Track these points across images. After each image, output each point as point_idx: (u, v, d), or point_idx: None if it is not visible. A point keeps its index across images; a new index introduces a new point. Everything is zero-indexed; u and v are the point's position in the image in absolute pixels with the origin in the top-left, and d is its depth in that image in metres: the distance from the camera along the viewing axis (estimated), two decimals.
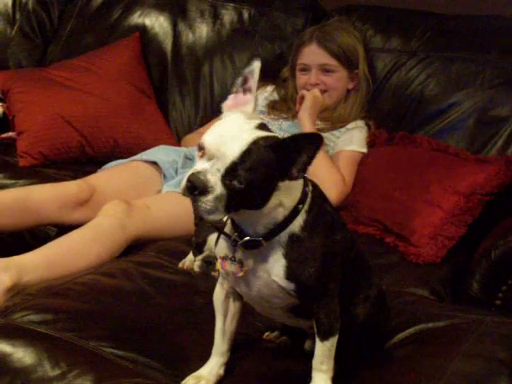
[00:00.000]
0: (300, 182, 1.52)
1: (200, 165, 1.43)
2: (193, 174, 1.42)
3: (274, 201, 1.46)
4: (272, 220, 1.49)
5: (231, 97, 1.54)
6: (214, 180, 1.41)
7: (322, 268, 1.51)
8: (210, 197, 1.41)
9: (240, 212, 1.47)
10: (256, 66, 1.52)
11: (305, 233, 1.50)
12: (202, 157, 1.44)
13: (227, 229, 1.56)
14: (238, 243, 1.52)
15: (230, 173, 1.40)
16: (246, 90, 1.53)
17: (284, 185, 1.46)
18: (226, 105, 1.54)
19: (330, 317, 1.55)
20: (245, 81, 1.53)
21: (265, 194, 1.45)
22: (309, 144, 1.42)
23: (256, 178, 1.40)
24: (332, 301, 1.56)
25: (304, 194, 1.51)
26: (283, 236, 1.50)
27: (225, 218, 1.56)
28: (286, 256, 1.50)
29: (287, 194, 1.48)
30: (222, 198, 1.41)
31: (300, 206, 1.50)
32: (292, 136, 1.44)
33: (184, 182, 1.43)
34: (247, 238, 1.50)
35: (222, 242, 1.58)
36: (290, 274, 1.50)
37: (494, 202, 2.58)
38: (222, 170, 1.41)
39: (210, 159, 1.42)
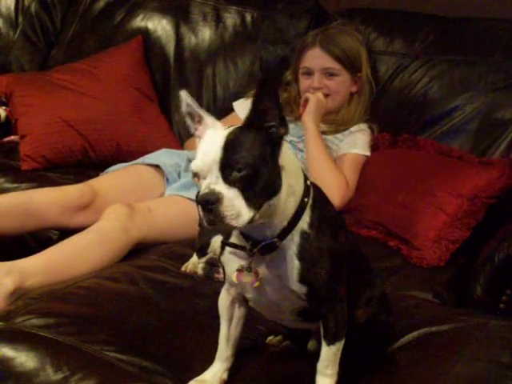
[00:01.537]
0: (299, 173, 1.53)
1: (202, 186, 1.45)
2: (198, 195, 1.43)
3: (285, 185, 1.47)
4: (285, 216, 1.49)
5: (195, 135, 1.55)
6: (219, 186, 1.42)
7: (332, 270, 1.52)
8: (225, 201, 1.41)
9: (263, 210, 1.45)
10: (184, 96, 1.54)
11: (313, 230, 1.51)
12: (199, 181, 1.46)
13: (235, 241, 1.56)
14: (254, 250, 1.51)
15: (226, 170, 1.42)
16: (198, 122, 1.54)
17: (286, 168, 1.47)
18: (196, 140, 1.56)
19: (338, 321, 1.56)
20: (191, 117, 1.55)
21: (272, 172, 1.45)
22: (263, 89, 1.44)
23: (248, 155, 1.42)
24: (341, 305, 1.56)
25: (306, 187, 1.52)
26: (295, 234, 1.50)
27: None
28: (299, 256, 1.50)
29: (293, 178, 1.49)
30: (237, 197, 1.41)
31: (306, 199, 1.51)
32: (251, 101, 1.46)
33: (199, 210, 1.43)
34: (263, 242, 1.50)
35: (231, 257, 1.58)
36: (302, 277, 1.50)
37: (497, 204, 2.58)
38: (219, 174, 1.42)
39: (205, 177, 1.44)
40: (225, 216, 1.41)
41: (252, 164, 1.42)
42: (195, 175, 1.47)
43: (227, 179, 1.42)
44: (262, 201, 1.44)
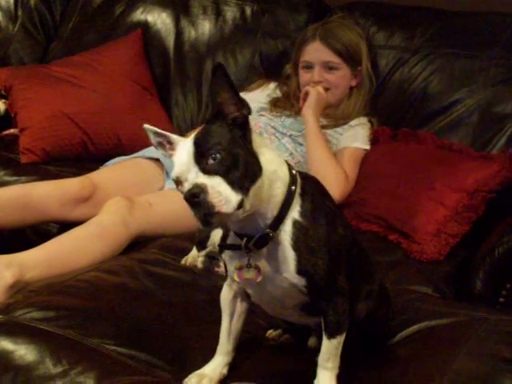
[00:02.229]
0: (280, 160, 1.54)
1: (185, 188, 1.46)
2: (185, 193, 1.44)
3: (267, 170, 1.48)
4: (275, 204, 1.49)
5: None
6: (200, 178, 1.43)
7: (330, 261, 1.51)
8: (210, 189, 1.41)
9: (251, 196, 1.44)
10: (148, 128, 1.60)
11: (306, 220, 1.51)
12: (183, 185, 1.47)
13: (231, 242, 1.58)
14: (249, 245, 1.51)
15: (202, 161, 1.44)
16: (170, 148, 1.58)
17: (262, 153, 1.49)
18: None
19: (339, 314, 1.55)
20: (163, 146, 1.60)
21: (247, 153, 1.46)
22: (215, 82, 1.52)
23: (219, 141, 1.45)
24: (341, 297, 1.56)
25: (292, 176, 1.53)
26: (287, 224, 1.50)
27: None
28: (294, 247, 1.50)
29: (272, 163, 1.50)
30: (220, 183, 1.42)
31: (293, 187, 1.51)
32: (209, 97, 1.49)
33: (191, 212, 1.43)
34: (257, 235, 1.50)
35: (231, 255, 1.58)
36: (300, 268, 1.50)
37: (497, 198, 2.58)
38: (197, 168, 1.44)
39: (186, 178, 1.46)
40: (213, 204, 1.41)
41: (225, 148, 1.44)
42: (177, 183, 1.48)
43: (206, 170, 1.43)
44: (246, 184, 1.44)
